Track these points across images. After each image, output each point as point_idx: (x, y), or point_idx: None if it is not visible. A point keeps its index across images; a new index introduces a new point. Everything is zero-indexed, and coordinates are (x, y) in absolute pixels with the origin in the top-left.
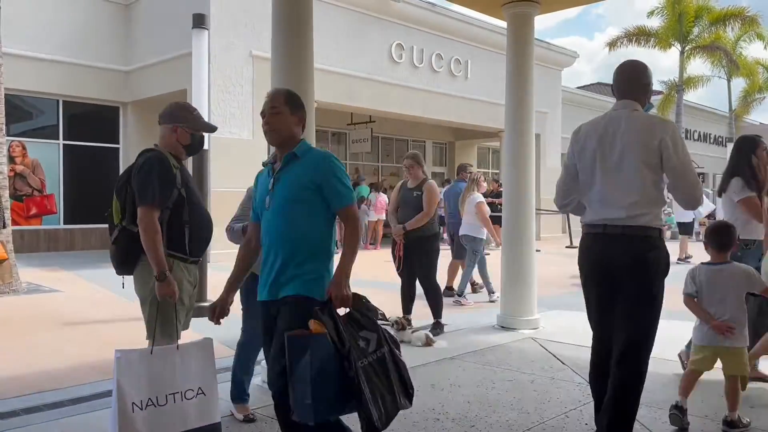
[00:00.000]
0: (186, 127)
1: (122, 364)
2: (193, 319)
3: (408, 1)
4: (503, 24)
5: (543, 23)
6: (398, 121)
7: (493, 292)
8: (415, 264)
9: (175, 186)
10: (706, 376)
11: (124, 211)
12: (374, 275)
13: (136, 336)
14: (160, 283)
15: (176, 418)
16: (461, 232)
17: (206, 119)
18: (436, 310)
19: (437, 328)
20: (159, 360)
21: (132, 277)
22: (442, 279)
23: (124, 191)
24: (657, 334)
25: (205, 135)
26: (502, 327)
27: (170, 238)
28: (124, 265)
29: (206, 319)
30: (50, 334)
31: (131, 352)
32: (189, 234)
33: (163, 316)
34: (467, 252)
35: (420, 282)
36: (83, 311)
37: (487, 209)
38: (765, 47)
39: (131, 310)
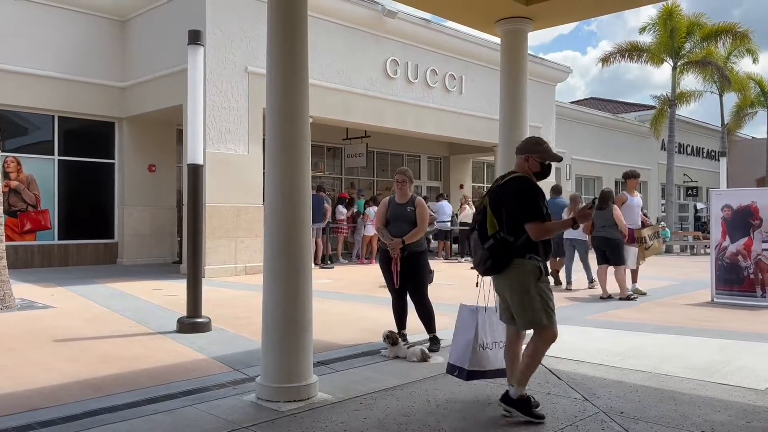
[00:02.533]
0: (536, 157)
1: (481, 315)
2: (199, 335)
3: (403, 18)
4: (497, 40)
5: (538, 38)
6: (393, 136)
7: (570, 283)
8: (406, 279)
9: (544, 203)
10: None
11: (501, 224)
12: (369, 290)
13: (129, 352)
14: (577, 225)
15: (495, 359)
16: (569, 236)
17: (201, 134)
18: (429, 325)
19: (434, 343)
20: (492, 316)
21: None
22: (432, 294)
23: (499, 208)
24: (651, 349)
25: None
26: None
27: (537, 246)
28: (494, 266)
29: (203, 334)
30: (43, 351)
31: (482, 308)
32: (545, 243)
33: (544, 302)
34: (577, 251)
35: (411, 297)
36: (76, 327)
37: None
38: (754, 62)
39: (125, 326)
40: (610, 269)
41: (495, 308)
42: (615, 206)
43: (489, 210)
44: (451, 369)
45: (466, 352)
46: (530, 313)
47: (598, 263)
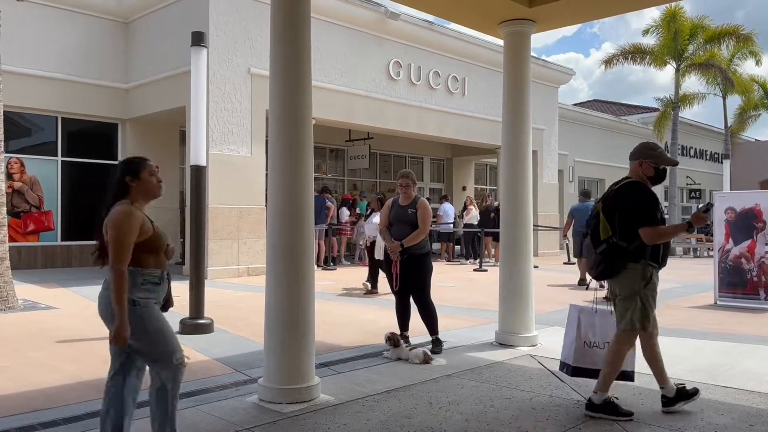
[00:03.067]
0: (650, 162)
1: (584, 315)
2: (202, 336)
3: (406, 20)
4: (500, 42)
5: (541, 40)
6: (396, 138)
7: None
8: (409, 281)
9: (659, 208)
10: None
11: (614, 228)
12: (371, 292)
13: None
14: (693, 229)
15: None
16: None
17: (204, 136)
18: (432, 327)
19: (436, 345)
20: (601, 317)
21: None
22: (435, 296)
23: (613, 213)
24: None
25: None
26: (501, 344)
27: (651, 251)
28: (606, 271)
29: (206, 336)
30: (46, 352)
31: (587, 308)
32: (663, 248)
33: (644, 308)
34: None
35: (414, 299)
36: (79, 328)
37: None
38: (757, 64)
39: None
40: None
41: (610, 311)
42: None
43: (602, 215)
44: (561, 365)
45: (570, 349)
46: (629, 314)
47: None
